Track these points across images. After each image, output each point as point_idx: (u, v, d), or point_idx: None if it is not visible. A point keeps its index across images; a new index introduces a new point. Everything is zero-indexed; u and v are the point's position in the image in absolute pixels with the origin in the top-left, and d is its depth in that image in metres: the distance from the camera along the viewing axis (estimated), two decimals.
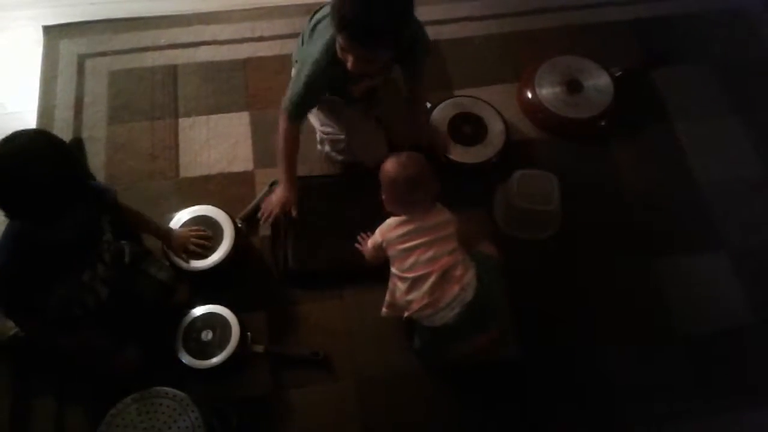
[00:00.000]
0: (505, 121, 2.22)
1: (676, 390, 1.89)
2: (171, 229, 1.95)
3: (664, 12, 2.57)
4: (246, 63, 2.39)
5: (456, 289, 1.68)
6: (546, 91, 2.29)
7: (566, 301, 2.00)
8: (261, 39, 2.42)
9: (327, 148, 2.13)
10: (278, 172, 2.02)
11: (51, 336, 1.68)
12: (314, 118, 2.11)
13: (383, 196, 1.76)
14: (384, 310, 1.83)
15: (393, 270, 1.76)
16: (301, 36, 2.00)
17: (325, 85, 1.88)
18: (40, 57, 2.40)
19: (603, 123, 2.28)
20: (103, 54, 2.41)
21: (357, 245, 1.94)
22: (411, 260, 1.70)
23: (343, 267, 2.00)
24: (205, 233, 1.96)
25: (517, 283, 2.00)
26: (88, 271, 1.66)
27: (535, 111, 2.30)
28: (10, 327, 1.81)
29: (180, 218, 1.99)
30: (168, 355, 1.83)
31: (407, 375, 1.89)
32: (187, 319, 1.87)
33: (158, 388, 1.63)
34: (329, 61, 1.77)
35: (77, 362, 1.80)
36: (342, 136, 2.07)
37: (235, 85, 2.35)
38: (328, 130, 2.09)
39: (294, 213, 2.01)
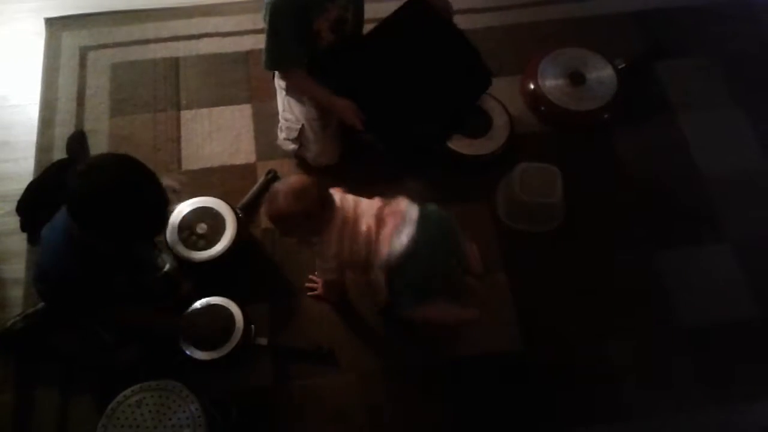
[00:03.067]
0: (509, 114, 2.21)
1: (678, 382, 1.89)
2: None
3: (667, 4, 2.56)
4: (248, 55, 2.39)
5: (398, 216, 1.70)
6: (549, 84, 2.28)
7: (568, 293, 2.00)
8: (263, 31, 2.39)
9: (282, 135, 2.15)
10: (325, 101, 2.02)
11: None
12: (280, 103, 2.14)
13: (289, 230, 1.75)
14: (379, 299, 1.84)
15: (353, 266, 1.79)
16: None
17: (289, 21, 1.87)
18: (42, 49, 2.40)
19: (606, 115, 2.27)
20: (105, 46, 2.41)
21: (310, 294, 1.95)
22: (361, 240, 1.71)
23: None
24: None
25: (519, 276, 2.01)
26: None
27: (538, 103, 2.29)
28: (9, 317, 1.83)
29: (182, 210, 1.98)
30: (172, 347, 1.82)
31: (410, 367, 1.89)
32: (191, 310, 1.86)
33: (159, 380, 1.63)
34: None
35: (81, 356, 1.82)
36: (298, 126, 2.09)
37: (237, 77, 2.35)
38: (288, 116, 2.11)
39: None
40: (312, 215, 1.68)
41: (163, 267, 1.90)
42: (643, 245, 2.08)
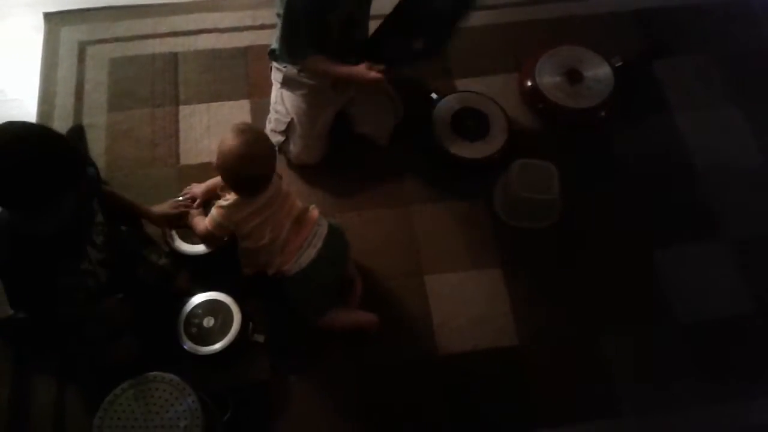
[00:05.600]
0: (508, 119, 2.21)
1: (676, 379, 1.90)
2: (150, 208, 1.94)
3: (663, 3, 2.57)
4: (247, 51, 2.39)
5: (311, 227, 1.78)
6: (546, 81, 2.29)
7: (566, 290, 2.01)
8: (262, 27, 2.42)
9: (270, 126, 2.16)
10: (343, 74, 1.99)
11: (55, 324, 1.69)
12: (273, 95, 2.16)
13: (225, 177, 1.75)
14: (245, 270, 1.87)
15: (246, 244, 1.80)
16: None
17: (306, 8, 1.86)
18: (40, 44, 2.40)
19: (603, 113, 2.28)
20: (104, 41, 2.41)
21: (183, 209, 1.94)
22: (268, 231, 1.75)
23: None
24: (186, 203, 1.96)
25: (516, 272, 2.02)
26: (86, 259, 1.65)
27: (535, 101, 2.30)
28: (7, 310, 1.82)
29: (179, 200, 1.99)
30: (168, 342, 1.83)
31: (407, 363, 1.89)
32: (190, 305, 1.86)
33: (155, 373, 1.63)
34: None
35: (74, 352, 1.81)
36: (287, 120, 2.10)
37: (235, 73, 2.35)
38: (279, 108, 2.13)
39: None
40: (272, 159, 1.73)
41: (158, 261, 1.90)
42: (640, 243, 2.09)
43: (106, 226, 1.71)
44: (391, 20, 2.01)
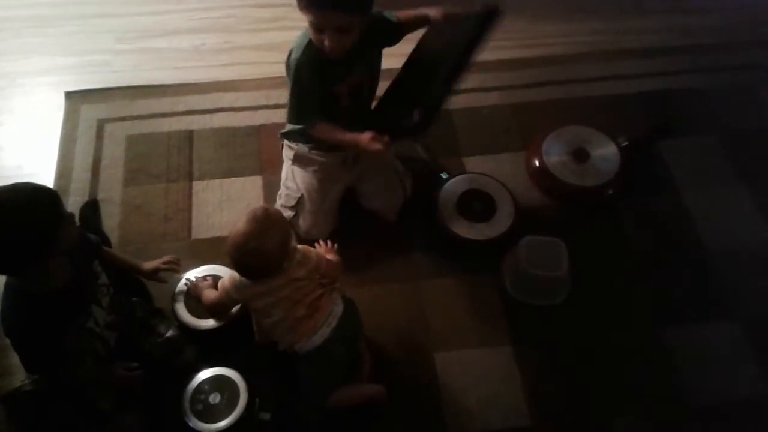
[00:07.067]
0: (516, 204, 2.23)
1: None
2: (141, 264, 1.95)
3: (667, 86, 2.65)
4: (260, 129, 2.45)
5: (326, 307, 1.76)
6: (554, 160, 2.33)
7: (576, 369, 1.98)
8: (276, 106, 2.48)
9: (281, 201, 2.18)
10: (350, 142, 1.96)
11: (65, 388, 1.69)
12: (284, 171, 2.20)
13: (229, 259, 1.73)
14: (258, 339, 1.85)
15: (256, 317, 1.80)
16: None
17: (311, 82, 1.91)
18: (60, 121, 2.47)
19: (610, 191, 2.31)
20: (122, 119, 2.48)
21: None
22: (278, 311, 1.73)
23: None
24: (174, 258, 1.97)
25: (526, 350, 2.00)
26: (91, 318, 1.66)
27: (542, 179, 2.33)
28: (19, 380, 1.81)
29: (189, 277, 1.99)
30: (173, 418, 1.79)
31: None
32: (196, 380, 1.84)
33: None
34: (309, 56, 1.86)
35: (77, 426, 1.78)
36: (297, 195, 2.13)
37: (249, 150, 2.41)
38: (290, 185, 2.17)
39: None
40: (286, 246, 1.71)
41: (166, 332, 1.90)
42: (649, 321, 2.07)
43: (111, 287, 1.72)
44: (392, 91, 2.07)
